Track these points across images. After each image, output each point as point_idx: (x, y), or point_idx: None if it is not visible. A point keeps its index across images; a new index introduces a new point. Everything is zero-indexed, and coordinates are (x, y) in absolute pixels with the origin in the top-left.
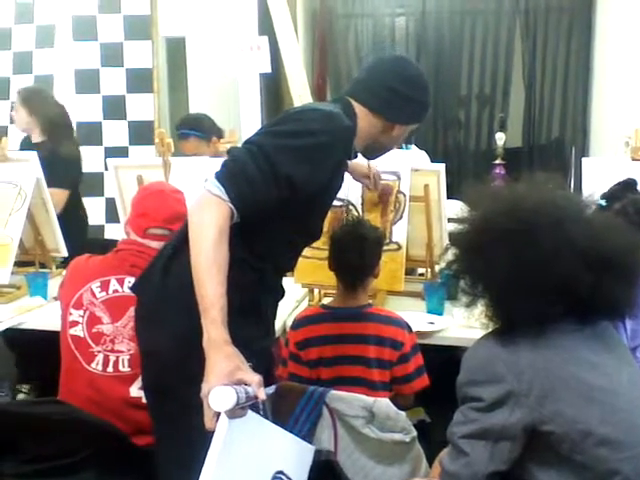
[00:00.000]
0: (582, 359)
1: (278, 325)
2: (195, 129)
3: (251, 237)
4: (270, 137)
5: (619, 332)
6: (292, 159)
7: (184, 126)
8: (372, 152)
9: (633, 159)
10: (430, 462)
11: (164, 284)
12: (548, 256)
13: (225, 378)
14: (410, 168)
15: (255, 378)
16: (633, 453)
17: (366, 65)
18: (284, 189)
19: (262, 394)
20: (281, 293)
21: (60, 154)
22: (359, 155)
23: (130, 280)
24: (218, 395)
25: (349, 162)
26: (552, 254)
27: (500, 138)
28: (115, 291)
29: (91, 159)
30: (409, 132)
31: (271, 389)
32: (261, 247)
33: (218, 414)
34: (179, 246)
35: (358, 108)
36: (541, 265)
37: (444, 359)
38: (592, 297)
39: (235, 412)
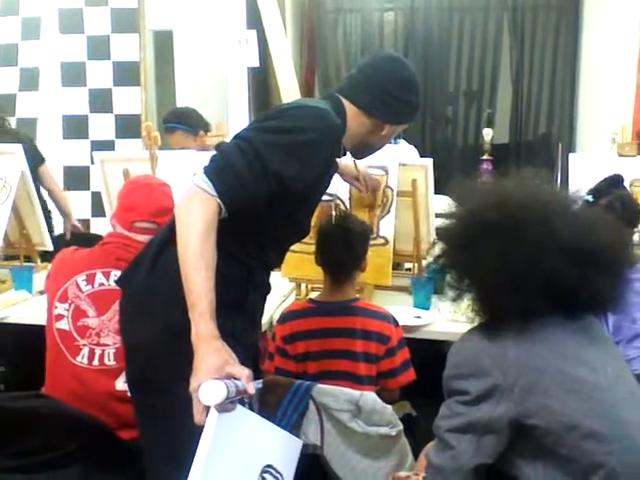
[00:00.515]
0: (567, 353)
1: (265, 319)
2: (182, 123)
3: (239, 232)
4: (260, 133)
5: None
6: (281, 156)
7: (171, 120)
8: (360, 151)
9: (619, 155)
10: (416, 456)
11: (152, 278)
12: (534, 251)
13: (214, 372)
14: (398, 163)
15: (245, 372)
16: (618, 446)
17: (359, 63)
18: (272, 185)
19: (251, 388)
20: (268, 289)
21: None
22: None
23: (116, 273)
24: (208, 389)
25: (339, 163)
26: (538, 249)
27: (487, 134)
28: (101, 284)
29: (77, 152)
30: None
31: (259, 384)
32: (249, 242)
33: (207, 408)
34: (167, 240)
35: (348, 106)
36: (527, 260)
37: (430, 353)
38: (578, 292)
39: (225, 406)
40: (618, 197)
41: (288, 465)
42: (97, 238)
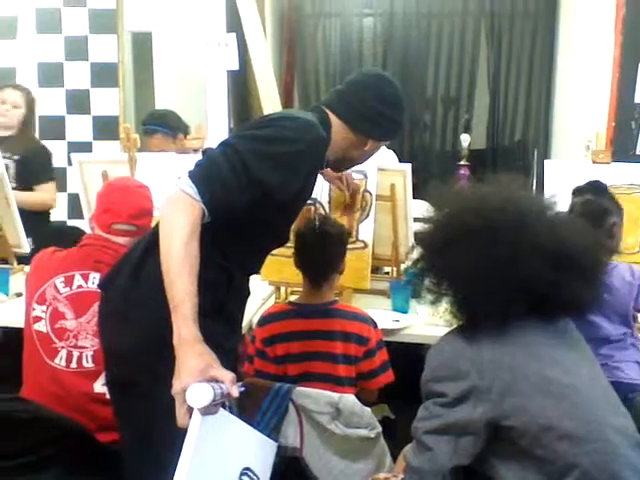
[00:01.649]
0: (543, 355)
1: (244, 323)
2: (162, 125)
3: (220, 238)
4: (247, 140)
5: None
6: (267, 165)
7: (150, 122)
8: (342, 164)
9: (594, 162)
10: (394, 458)
11: (136, 281)
12: (511, 255)
13: (198, 375)
14: (377, 167)
15: (228, 376)
16: (592, 447)
17: (347, 78)
18: (256, 193)
19: (235, 391)
20: (248, 293)
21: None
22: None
23: (95, 276)
24: (196, 391)
25: None
26: (515, 253)
27: (465, 140)
28: (79, 286)
29: (54, 154)
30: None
31: (242, 387)
32: (229, 248)
33: (190, 411)
34: (152, 245)
35: (334, 120)
36: (504, 263)
37: (409, 357)
38: (553, 295)
39: (209, 409)
40: (582, 202)
41: (264, 467)
42: (75, 231)
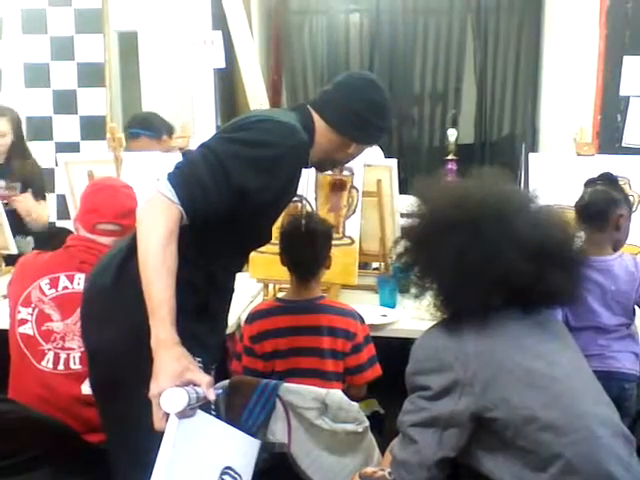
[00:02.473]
0: (525, 347)
1: (232, 320)
2: (145, 128)
3: (200, 238)
4: (226, 143)
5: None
6: (246, 169)
7: (134, 125)
8: (324, 166)
9: (578, 154)
10: (382, 453)
11: (118, 283)
12: (492, 248)
13: (175, 378)
14: (363, 164)
15: (205, 379)
16: (575, 438)
17: (335, 80)
18: (235, 197)
19: (212, 395)
20: (231, 292)
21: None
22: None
23: (80, 277)
24: (170, 397)
25: None
26: (496, 246)
27: (452, 134)
28: (65, 288)
29: (42, 155)
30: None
31: (219, 389)
32: (209, 249)
33: (167, 414)
34: (134, 245)
35: (318, 121)
36: (485, 256)
37: (396, 351)
38: (534, 287)
39: (185, 413)
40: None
41: (246, 465)
42: (63, 232)
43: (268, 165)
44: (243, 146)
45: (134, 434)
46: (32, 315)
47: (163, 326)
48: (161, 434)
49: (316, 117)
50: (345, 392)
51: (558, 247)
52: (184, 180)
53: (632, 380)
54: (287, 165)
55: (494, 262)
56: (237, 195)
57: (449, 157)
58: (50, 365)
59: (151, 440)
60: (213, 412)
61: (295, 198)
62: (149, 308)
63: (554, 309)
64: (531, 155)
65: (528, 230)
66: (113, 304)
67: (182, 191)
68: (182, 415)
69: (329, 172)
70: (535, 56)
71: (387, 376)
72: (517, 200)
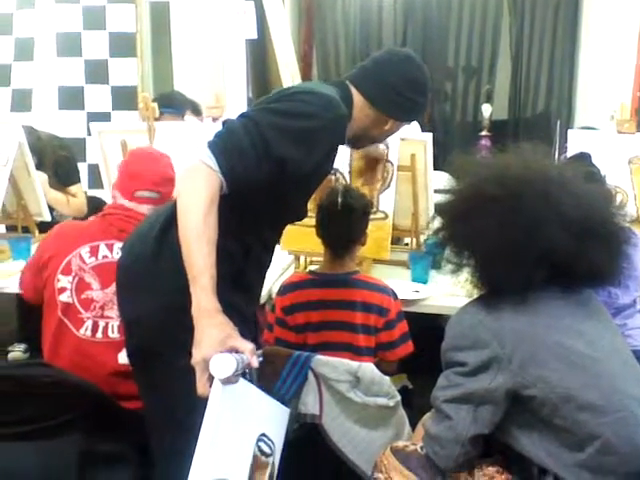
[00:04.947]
0: (565, 326)
1: (264, 292)
2: (168, 106)
3: (237, 209)
4: (267, 114)
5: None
6: (287, 140)
7: (157, 105)
8: (360, 142)
9: (619, 132)
10: (413, 427)
11: (158, 253)
12: (533, 224)
13: (218, 345)
14: (399, 137)
15: (248, 346)
16: (613, 418)
17: (375, 56)
18: (274, 168)
19: (255, 362)
20: (266, 266)
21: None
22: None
23: (119, 245)
24: (219, 362)
25: None
26: (537, 222)
27: (486, 110)
28: (105, 257)
29: (73, 124)
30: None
31: (260, 356)
32: (246, 220)
33: (211, 381)
34: (174, 214)
35: (357, 97)
36: (526, 232)
37: (427, 327)
38: (576, 264)
39: (230, 379)
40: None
41: (279, 434)
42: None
43: (308, 136)
44: (284, 117)
45: (171, 401)
46: (72, 283)
47: (205, 294)
48: (199, 400)
49: (354, 92)
50: (376, 366)
51: (601, 224)
52: (225, 150)
53: None
54: (326, 137)
55: (535, 238)
56: (276, 166)
57: (483, 133)
58: (89, 333)
59: (189, 407)
60: (248, 379)
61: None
62: (190, 276)
63: (595, 288)
64: (570, 132)
65: (570, 206)
66: (152, 274)
67: (223, 160)
68: (227, 381)
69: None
70: (572, 30)
71: (418, 352)
72: (559, 175)
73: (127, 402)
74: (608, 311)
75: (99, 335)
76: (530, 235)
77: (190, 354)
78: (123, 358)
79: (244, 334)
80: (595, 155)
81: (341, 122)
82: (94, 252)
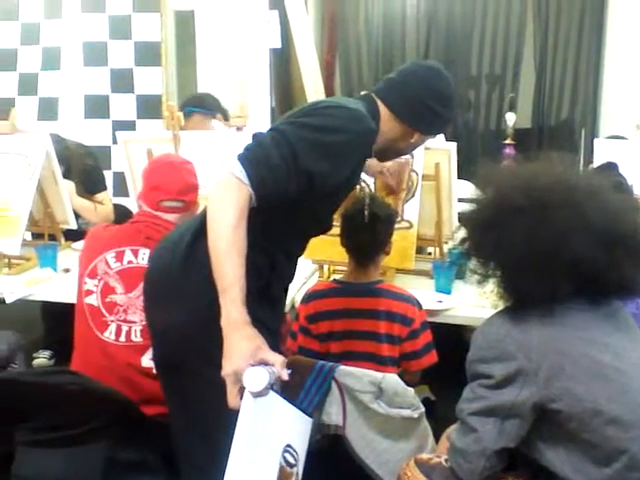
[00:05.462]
0: (592, 338)
1: (287, 301)
2: (199, 106)
3: (264, 221)
4: (297, 128)
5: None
6: (316, 155)
7: (188, 105)
8: (386, 155)
9: None
10: (436, 439)
11: (187, 265)
12: (561, 234)
13: (248, 357)
14: (423, 147)
15: (279, 359)
16: None
17: (401, 68)
18: (304, 182)
19: (285, 375)
20: (290, 279)
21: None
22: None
23: (145, 252)
24: (252, 376)
25: None
26: (565, 233)
27: (510, 118)
28: (129, 262)
29: (99, 132)
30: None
31: (291, 370)
32: (272, 232)
33: (241, 392)
34: (201, 229)
35: (383, 110)
36: (554, 243)
37: (450, 338)
38: (605, 276)
39: (261, 392)
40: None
41: (302, 444)
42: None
43: (336, 151)
44: (313, 131)
45: (199, 413)
46: (97, 287)
47: (235, 306)
48: (228, 413)
49: (381, 105)
50: (400, 377)
51: (630, 235)
52: (255, 163)
53: None
54: (354, 151)
55: (562, 249)
56: (305, 179)
57: (506, 141)
58: (112, 336)
59: (217, 419)
60: (274, 390)
61: None
62: (220, 288)
63: (624, 299)
64: (596, 141)
65: (599, 217)
66: (181, 286)
67: (253, 173)
68: (259, 394)
69: None
70: (597, 39)
71: (440, 363)
72: (587, 185)
73: (152, 406)
74: (637, 324)
75: (122, 339)
76: (557, 246)
77: (219, 366)
78: (146, 361)
79: (272, 348)
80: (622, 165)
81: (369, 136)
82: (119, 257)
